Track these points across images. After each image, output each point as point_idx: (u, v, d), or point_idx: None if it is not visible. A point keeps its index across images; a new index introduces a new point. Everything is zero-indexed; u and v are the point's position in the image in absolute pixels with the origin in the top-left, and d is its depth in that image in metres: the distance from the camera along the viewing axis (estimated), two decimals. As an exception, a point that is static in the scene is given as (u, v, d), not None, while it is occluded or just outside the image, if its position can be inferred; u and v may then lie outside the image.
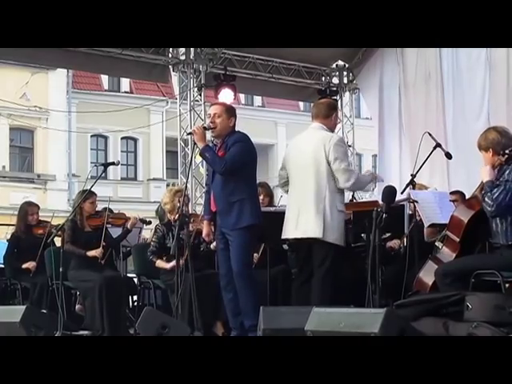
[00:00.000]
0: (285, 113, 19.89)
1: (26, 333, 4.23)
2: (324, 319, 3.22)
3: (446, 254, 3.93)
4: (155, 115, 17.80)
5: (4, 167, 17.18)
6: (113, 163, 5.25)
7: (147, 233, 6.76)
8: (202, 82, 7.73)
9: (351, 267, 4.66)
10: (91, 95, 18.11)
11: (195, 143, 4.16)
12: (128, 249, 5.74)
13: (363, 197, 7.88)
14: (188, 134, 5.54)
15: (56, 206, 16.17)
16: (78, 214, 5.16)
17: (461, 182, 6.13)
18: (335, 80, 8.78)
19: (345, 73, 8.76)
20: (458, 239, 3.85)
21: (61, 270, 4.69)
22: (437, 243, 4.11)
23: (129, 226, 5.37)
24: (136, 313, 5.06)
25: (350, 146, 8.86)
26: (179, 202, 4.59)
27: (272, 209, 4.76)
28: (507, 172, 3.61)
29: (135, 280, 5.42)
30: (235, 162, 4.05)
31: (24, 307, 4.50)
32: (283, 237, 4.20)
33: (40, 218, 5.85)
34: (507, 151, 3.61)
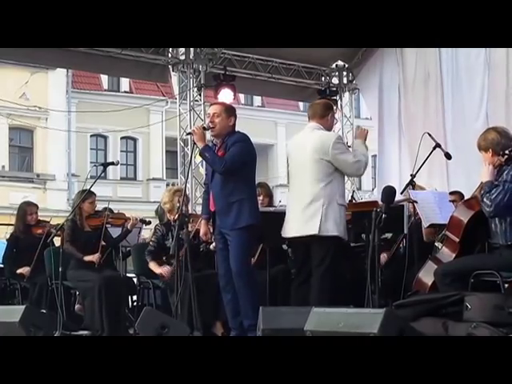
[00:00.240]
0: (284, 113, 19.89)
1: (25, 333, 4.23)
2: (323, 319, 3.22)
3: (446, 254, 3.93)
4: (155, 115, 17.80)
5: (3, 167, 17.18)
6: (112, 163, 5.24)
7: (147, 233, 6.76)
8: (202, 81, 7.73)
9: (351, 267, 4.66)
10: (91, 95, 18.10)
11: (195, 143, 4.16)
12: (128, 249, 5.74)
13: (363, 197, 7.88)
14: (187, 134, 5.54)
15: (55, 205, 16.20)
16: (78, 214, 5.16)
17: (460, 182, 6.13)
18: (335, 80, 8.78)
19: (344, 73, 8.77)
20: (457, 239, 3.85)
21: (60, 269, 4.68)
22: (436, 243, 4.11)
23: (129, 227, 5.37)
24: (135, 313, 5.06)
25: (349, 147, 8.85)
26: (179, 201, 4.59)
27: (271, 209, 4.77)
28: (506, 172, 3.61)
29: (135, 280, 5.42)
30: (235, 162, 4.05)
31: (23, 307, 4.50)
32: (283, 236, 4.20)
33: (39, 218, 5.85)
34: (507, 151, 3.62)
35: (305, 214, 4.04)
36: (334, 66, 8.76)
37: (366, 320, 3.04)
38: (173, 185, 11.65)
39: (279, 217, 4.26)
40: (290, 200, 4.20)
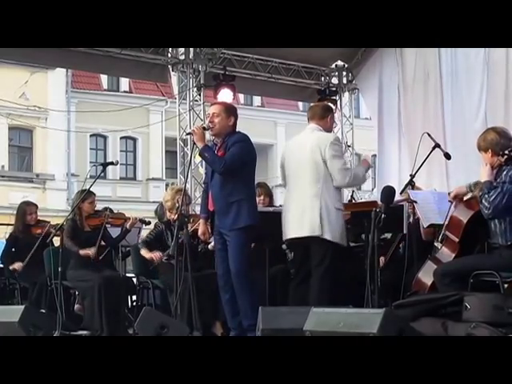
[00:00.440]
0: (284, 113, 19.89)
1: (24, 333, 4.23)
2: (323, 319, 3.22)
3: (445, 254, 3.93)
4: (154, 115, 17.79)
5: (3, 167, 17.17)
6: (112, 163, 5.24)
7: (146, 233, 6.76)
8: (202, 81, 7.73)
9: (350, 267, 4.66)
10: (90, 95, 18.09)
11: (195, 143, 4.16)
12: (127, 249, 5.74)
13: (362, 197, 7.89)
14: (187, 134, 5.55)
15: (55, 205, 16.19)
16: (77, 214, 5.16)
17: (460, 182, 6.12)
18: (334, 80, 8.78)
19: (344, 73, 8.76)
20: (457, 239, 3.85)
21: (60, 269, 4.68)
22: (436, 243, 4.11)
23: (128, 227, 5.37)
24: (135, 313, 5.06)
25: (349, 147, 8.87)
26: (178, 201, 4.60)
27: (271, 209, 4.76)
28: (504, 173, 3.61)
29: (134, 280, 5.42)
30: (235, 162, 4.05)
31: (23, 307, 4.50)
32: (285, 238, 4.20)
33: (39, 218, 5.85)
34: (506, 152, 3.62)
35: (303, 215, 4.05)
36: (333, 66, 8.76)
37: (366, 320, 3.04)
38: (172, 184, 11.65)
39: (278, 217, 4.26)
40: (289, 201, 4.21)
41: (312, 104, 4.76)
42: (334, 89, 8.67)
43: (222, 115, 4.14)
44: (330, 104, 6.39)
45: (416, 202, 4.24)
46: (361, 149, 9.65)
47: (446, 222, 3.92)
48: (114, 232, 5.50)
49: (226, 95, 7.54)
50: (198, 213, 4.76)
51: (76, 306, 5.45)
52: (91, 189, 5.07)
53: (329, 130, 4.29)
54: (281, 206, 4.61)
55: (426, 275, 3.93)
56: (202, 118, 7.62)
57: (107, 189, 16.73)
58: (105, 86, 18.83)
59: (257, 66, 8.15)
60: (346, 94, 8.93)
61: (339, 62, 8.70)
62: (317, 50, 7.73)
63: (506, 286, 3.63)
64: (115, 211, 5.85)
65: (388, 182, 6.62)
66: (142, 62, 7.60)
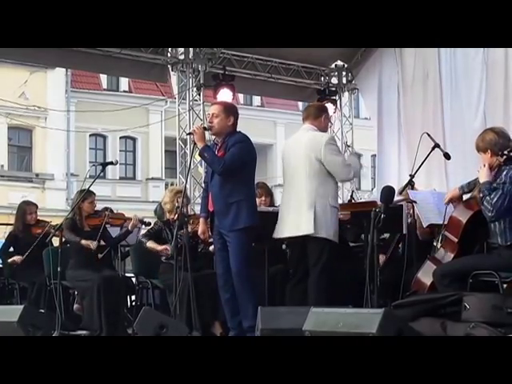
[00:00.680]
0: (284, 113, 19.88)
1: (23, 332, 4.23)
2: (322, 319, 3.22)
3: (445, 254, 3.93)
4: (154, 115, 17.79)
5: (2, 166, 17.16)
6: (111, 163, 5.24)
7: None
8: (201, 81, 7.72)
9: (349, 267, 4.66)
10: (90, 94, 18.08)
11: (195, 143, 4.16)
12: (126, 249, 5.74)
13: (362, 197, 7.89)
14: (188, 134, 5.55)
15: (54, 205, 16.18)
16: (77, 213, 5.16)
17: (459, 182, 6.12)
18: (334, 80, 8.78)
19: (344, 73, 8.76)
20: (456, 239, 3.85)
21: (59, 269, 4.68)
22: (435, 243, 4.11)
23: (129, 227, 5.37)
24: (134, 313, 5.05)
25: (348, 146, 8.87)
26: (177, 201, 4.60)
27: (270, 209, 4.76)
28: (504, 173, 3.61)
29: (133, 280, 5.42)
30: (234, 162, 4.05)
31: (22, 307, 4.50)
32: (275, 236, 4.22)
33: (38, 218, 5.85)
34: (505, 152, 3.62)
35: (298, 214, 4.07)
36: (333, 66, 8.76)
37: (365, 320, 3.04)
38: (172, 184, 11.64)
39: (278, 217, 4.26)
40: (285, 199, 4.23)
41: (307, 105, 4.78)
42: (334, 89, 8.67)
43: (221, 115, 4.14)
44: (324, 104, 6.42)
45: (415, 202, 4.25)
46: (360, 149, 9.65)
47: (445, 222, 3.93)
48: (113, 232, 5.50)
49: (225, 95, 7.53)
50: (198, 213, 4.77)
51: (75, 306, 5.45)
52: (91, 188, 5.07)
53: (323, 129, 4.31)
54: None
55: (426, 275, 3.94)
56: (202, 117, 7.62)
57: (107, 188, 16.72)
58: (104, 86, 18.82)
59: (256, 65, 8.15)
60: (346, 94, 8.93)
61: (339, 62, 8.70)
62: (316, 50, 7.74)
63: (505, 285, 3.63)
64: (115, 211, 5.85)
65: (387, 181, 6.62)
66: (142, 61, 7.60)
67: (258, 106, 20.64)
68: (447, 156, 4.85)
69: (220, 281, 4.17)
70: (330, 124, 4.58)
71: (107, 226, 5.34)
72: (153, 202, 14.04)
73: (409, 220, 4.33)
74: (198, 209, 5.04)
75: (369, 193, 14.61)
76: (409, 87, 7.60)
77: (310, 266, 4.08)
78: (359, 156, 4.42)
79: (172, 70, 7.90)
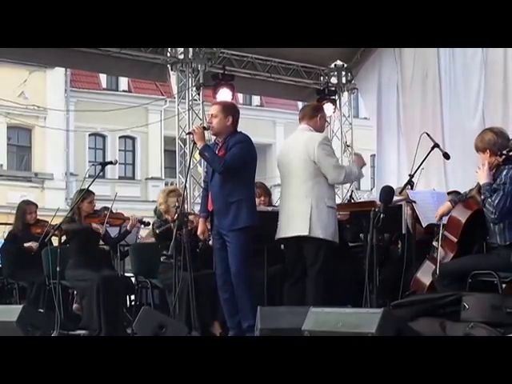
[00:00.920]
0: (283, 112, 19.88)
1: (22, 332, 4.23)
2: (321, 319, 3.23)
3: (444, 254, 3.93)
4: (153, 114, 17.78)
5: (1, 166, 17.16)
6: (111, 162, 5.24)
7: (145, 232, 6.76)
8: (201, 81, 7.72)
9: (349, 267, 4.67)
10: (89, 94, 18.08)
11: (194, 143, 4.17)
12: (126, 248, 5.74)
13: (361, 197, 7.89)
14: (187, 133, 5.54)
15: (54, 205, 16.18)
16: (76, 213, 5.16)
17: (458, 181, 6.14)
18: (334, 80, 8.79)
19: (343, 73, 8.77)
20: (455, 239, 3.85)
21: (58, 269, 4.68)
22: (434, 243, 4.11)
23: (128, 228, 5.37)
24: (133, 312, 5.05)
25: (348, 146, 8.88)
26: (178, 201, 4.60)
27: (270, 209, 4.77)
28: (504, 173, 3.61)
29: (133, 279, 5.42)
30: (235, 162, 4.06)
31: (21, 306, 4.50)
32: (277, 237, 4.22)
33: (38, 218, 5.84)
34: (504, 152, 3.62)
35: (294, 215, 4.08)
36: (332, 65, 8.76)
37: (364, 320, 3.04)
38: (171, 184, 11.63)
39: (277, 216, 4.26)
40: (282, 200, 4.25)
41: (303, 105, 4.80)
42: (333, 88, 8.68)
43: (219, 116, 4.15)
44: (320, 104, 6.42)
45: (415, 201, 4.25)
46: (360, 148, 9.64)
47: (445, 222, 3.93)
48: (112, 232, 5.50)
49: (225, 95, 7.53)
50: (197, 212, 4.77)
51: (74, 306, 5.46)
52: (90, 188, 5.07)
53: (319, 129, 4.31)
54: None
55: (425, 275, 3.94)
56: (201, 117, 7.62)
57: (106, 188, 16.71)
58: (104, 86, 18.82)
59: (256, 65, 8.15)
60: (345, 94, 8.94)
61: (338, 62, 8.70)
62: (316, 50, 7.74)
63: (504, 285, 3.63)
64: (114, 211, 5.85)
65: (387, 181, 6.63)
66: (141, 61, 7.60)
67: (257, 106, 20.64)
68: (447, 156, 4.85)
69: (219, 281, 4.18)
70: (326, 123, 4.56)
71: (106, 225, 5.34)
72: (152, 201, 14.02)
73: (410, 221, 4.33)
74: (197, 209, 5.04)
75: (368, 193, 14.62)
76: (408, 87, 7.61)
77: (308, 266, 4.09)
78: (362, 165, 4.34)
79: (171, 70, 7.90)
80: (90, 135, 18.56)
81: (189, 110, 7.73)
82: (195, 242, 4.88)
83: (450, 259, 3.86)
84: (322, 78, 8.74)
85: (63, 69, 16.07)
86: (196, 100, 7.79)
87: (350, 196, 7.74)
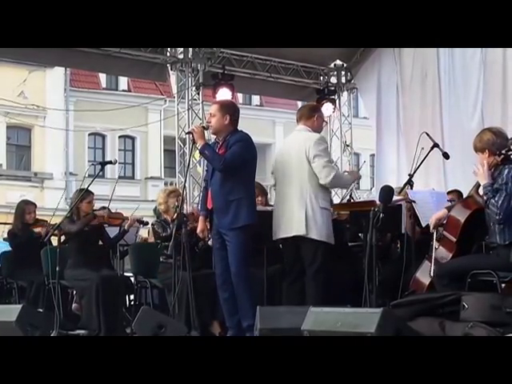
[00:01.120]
0: (283, 112, 19.87)
1: (21, 332, 4.22)
2: (321, 319, 3.23)
3: (443, 253, 3.93)
4: (153, 114, 17.78)
5: (1, 165, 17.15)
6: (110, 162, 5.24)
7: (144, 232, 6.76)
8: (200, 80, 7.72)
9: (348, 267, 4.67)
10: (89, 93, 18.07)
11: (194, 142, 4.17)
12: (125, 248, 5.74)
13: (361, 197, 7.88)
14: (187, 133, 5.54)
15: (53, 204, 16.16)
16: (75, 214, 5.16)
17: (457, 181, 6.14)
18: (333, 80, 8.78)
19: (343, 72, 8.76)
20: (454, 239, 3.85)
21: (57, 268, 4.68)
22: (433, 243, 4.11)
23: (126, 227, 5.38)
24: (133, 312, 5.05)
25: (348, 146, 8.88)
26: (177, 201, 4.60)
27: (269, 208, 4.77)
28: (505, 173, 3.61)
29: (132, 279, 5.42)
30: (235, 160, 4.06)
31: (20, 306, 4.49)
32: (274, 238, 4.23)
33: (37, 217, 5.84)
34: (503, 151, 3.62)
35: (291, 215, 4.09)
36: (332, 65, 8.75)
37: (364, 320, 3.04)
38: (171, 184, 11.63)
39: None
40: (278, 201, 4.26)
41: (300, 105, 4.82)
42: (333, 88, 8.67)
43: (217, 115, 4.16)
44: (317, 104, 6.42)
45: (414, 201, 4.25)
46: (359, 148, 9.67)
47: (444, 222, 3.93)
48: (112, 232, 5.50)
49: (224, 94, 7.52)
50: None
51: (74, 306, 5.46)
52: (89, 188, 5.07)
53: (317, 129, 4.31)
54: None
55: (424, 275, 3.94)
56: (201, 117, 7.62)
57: (106, 188, 16.69)
58: (103, 85, 18.81)
59: (256, 65, 8.15)
60: (345, 94, 8.93)
61: (338, 62, 8.70)
62: (316, 50, 7.73)
63: (503, 285, 3.63)
64: (113, 210, 5.85)
65: (386, 181, 6.62)
66: (141, 60, 7.59)
67: (257, 106, 20.64)
68: (446, 156, 4.85)
69: (219, 280, 4.18)
70: (324, 123, 4.55)
71: (105, 225, 5.35)
72: (152, 201, 14.00)
73: (408, 221, 4.33)
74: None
75: (368, 192, 14.61)
76: (407, 87, 7.61)
77: (306, 266, 4.10)
78: (355, 179, 4.36)
79: (171, 70, 7.89)
80: (89, 135, 18.56)
81: (188, 109, 7.72)
82: (195, 241, 4.89)
83: (449, 259, 3.86)
84: (321, 77, 8.73)
85: (63, 68, 16.07)
86: (196, 100, 7.79)
87: (350, 195, 7.73)
